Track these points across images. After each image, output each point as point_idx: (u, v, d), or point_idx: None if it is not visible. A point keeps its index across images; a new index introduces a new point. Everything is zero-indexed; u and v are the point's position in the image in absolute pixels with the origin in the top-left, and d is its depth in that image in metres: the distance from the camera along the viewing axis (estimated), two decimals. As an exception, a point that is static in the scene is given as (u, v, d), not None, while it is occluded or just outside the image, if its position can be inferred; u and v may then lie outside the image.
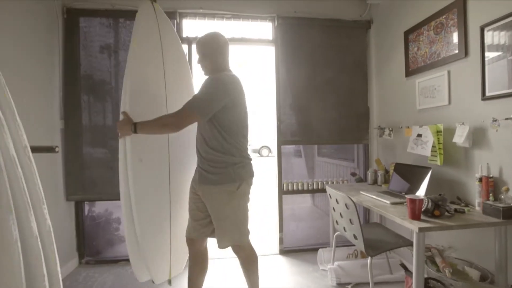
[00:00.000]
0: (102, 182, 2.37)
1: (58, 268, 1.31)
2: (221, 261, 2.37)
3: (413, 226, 1.29)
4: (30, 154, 1.21)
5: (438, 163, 1.73)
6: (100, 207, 2.61)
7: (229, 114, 1.38)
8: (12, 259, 1.05)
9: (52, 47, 2.17)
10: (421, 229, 1.26)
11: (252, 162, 1.51)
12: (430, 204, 1.38)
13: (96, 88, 2.36)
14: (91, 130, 2.35)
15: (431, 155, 1.76)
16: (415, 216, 1.36)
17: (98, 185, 2.36)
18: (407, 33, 2.08)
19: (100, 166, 2.38)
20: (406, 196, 1.39)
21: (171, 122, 1.34)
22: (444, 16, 1.74)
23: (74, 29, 2.32)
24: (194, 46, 2.43)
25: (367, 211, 2.68)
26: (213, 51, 1.44)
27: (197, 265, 1.56)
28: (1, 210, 1.03)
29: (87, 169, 2.35)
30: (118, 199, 2.06)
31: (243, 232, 1.48)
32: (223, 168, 1.39)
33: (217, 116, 1.37)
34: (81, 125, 2.32)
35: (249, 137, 1.53)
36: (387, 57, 2.39)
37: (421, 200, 1.36)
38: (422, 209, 1.38)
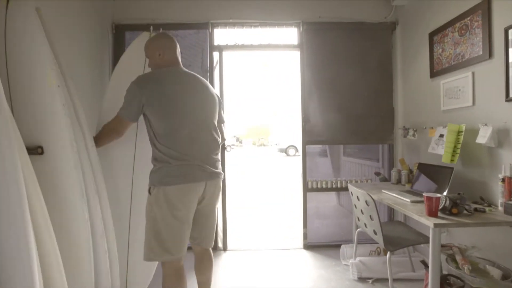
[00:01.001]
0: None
1: (115, 247, 1.59)
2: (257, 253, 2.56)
3: (429, 222, 1.36)
4: (95, 150, 1.49)
5: (453, 162, 1.75)
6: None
7: (149, 114, 1.32)
8: (83, 235, 1.32)
9: (103, 58, 2.51)
10: (436, 225, 1.33)
11: (174, 168, 1.29)
12: (448, 202, 1.44)
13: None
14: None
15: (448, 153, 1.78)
16: (432, 213, 1.42)
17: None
18: (432, 35, 2.10)
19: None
20: (424, 194, 1.46)
21: (110, 129, 1.41)
22: (468, 18, 1.76)
23: (121, 42, 2.64)
24: (224, 53, 2.66)
25: (391, 211, 2.71)
26: (147, 51, 1.46)
27: None
28: (76, 196, 1.30)
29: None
30: None
31: (151, 247, 1.31)
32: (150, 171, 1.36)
33: (147, 116, 1.34)
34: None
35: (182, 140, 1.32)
36: (412, 58, 2.41)
37: (438, 198, 1.42)
38: (440, 207, 1.44)
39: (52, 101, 1.20)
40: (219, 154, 1.48)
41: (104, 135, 1.45)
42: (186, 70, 1.46)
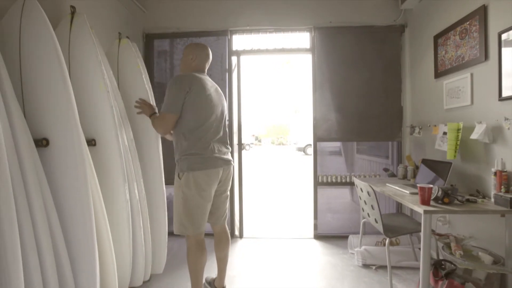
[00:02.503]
0: (169, 170, 2.98)
1: (148, 224, 1.88)
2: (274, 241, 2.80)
3: (420, 209, 1.52)
4: (134, 143, 1.79)
5: (453, 157, 1.88)
6: (167, 191, 3.23)
7: (185, 110, 1.57)
8: (124, 214, 1.62)
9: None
10: (426, 212, 1.49)
11: (201, 157, 1.57)
12: (440, 192, 1.59)
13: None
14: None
15: (451, 150, 1.91)
16: (424, 202, 1.58)
17: (170, 172, 2.98)
18: (436, 37, 2.22)
19: (172, 157, 2.99)
20: (417, 184, 1.62)
21: (157, 125, 1.64)
22: (468, 22, 1.87)
23: (150, 49, 2.97)
24: (242, 58, 2.91)
25: (399, 205, 2.83)
26: (185, 51, 1.73)
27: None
28: (119, 180, 1.61)
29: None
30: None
31: (182, 223, 1.59)
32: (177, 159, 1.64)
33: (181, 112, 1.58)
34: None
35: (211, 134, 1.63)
36: (419, 60, 2.52)
37: (430, 188, 1.57)
38: (432, 197, 1.60)
39: (103, 103, 1.51)
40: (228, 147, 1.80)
41: (155, 125, 1.66)
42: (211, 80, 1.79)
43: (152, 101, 1.99)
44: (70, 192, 1.23)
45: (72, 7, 1.53)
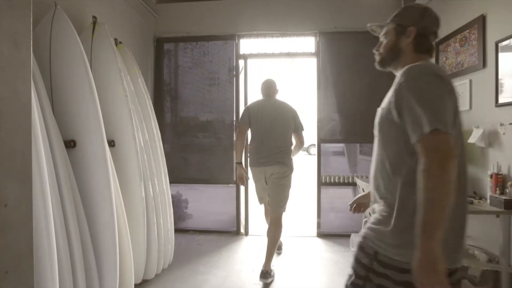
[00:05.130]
0: (178, 169, 3.09)
1: (161, 220, 1.99)
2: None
3: (418, 209, 1.61)
4: (149, 144, 1.90)
5: None
6: (172, 189, 3.33)
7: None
8: (139, 210, 1.74)
9: (147, 66, 2.96)
10: (424, 211, 1.58)
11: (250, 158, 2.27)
12: (438, 193, 1.67)
13: (173, 96, 3.10)
14: (171, 128, 3.11)
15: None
16: (423, 202, 1.67)
17: (173, 171, 3.09)
18: (438, 44, 2.30)
19: (176, 156, 3.11)
20: (417, 186, 1.71)
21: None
22: (467, 31, 1.95)
23: (161, 52, 3.08)
24: (249, 61, 3.00)
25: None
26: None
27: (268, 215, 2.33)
28: (136, 179, 1.71)
29: (167, 158, 3.10)
30: (189, 183, 2.83)
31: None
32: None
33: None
34: (163, 124, 3.07)
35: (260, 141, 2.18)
36: (421, 64, 2.60)
37: (428, 189, 1.66)
38: (431, 197, 1.68)
39: (122, 107, 1.62)
40: (283, 151, 2.19)
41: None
42: (272, 100, 2.28)
43: (150, 105, 2.08)
44: (94, 190, 1.34)
45: (94, 17, 1.64)
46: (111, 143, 1.63)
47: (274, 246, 2.12)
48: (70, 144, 1.28)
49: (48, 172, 1.08)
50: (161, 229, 1.92)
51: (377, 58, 1.01)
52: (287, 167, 2.17)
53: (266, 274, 2.00)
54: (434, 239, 0.65)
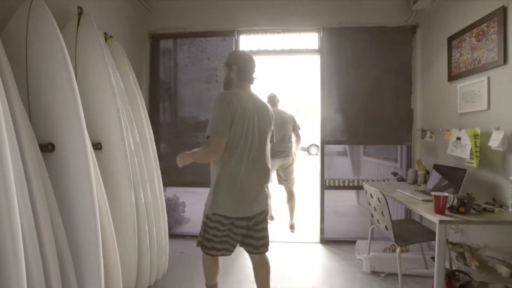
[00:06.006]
0: (174, 171, 2.95)
1: (154, 229, 1.85)
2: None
3: (435, 218, 1.47)
4: (141, 147, 1.75)
5: (474, 165, 1.82)
6: (169, 192, 3.20)
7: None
8: (129, 219, 1.59)
9: (142, 64, 2.82)
10: (441, 221, 1.44)
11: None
12: (455, 201, 1.53)
13: (169, 94, 2.95)
14: (168, 128, 2.96)
15: (469, 158, 1.85)
16: (439, 211, 1.53)
17: (170, 174, 2.95)
18: (450, 39, 2.15)
19: (172, 158, 2.95)
20: (432, 193, 1.56)
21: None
22: (485, 24, 1.80)
23: (156, 50, 2.94)
24: (248, 58, 2.86)
25: (408, 210, 2.77)
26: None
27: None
28: (125, 184, 1.57)
29: (161, 160, 2.95)
30: (185, 186, 2.67)
31: None
32: None
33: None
34: (159, 124, 2.94)
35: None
36: (431, 62, 2.46)
37: (445, 197, 1.52)
38: (447, 206, 1.54)
39: (110, 105, 1.47)
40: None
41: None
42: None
43: (142, 104, 1.93)
44: (75, 197, 1.20)
45: (79, 8, 1.50)
46: (98, 146, 1.49)
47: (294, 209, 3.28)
48: (47, 148, 1.14)
49: (16, 180, 0.94)
50: (154, 238, 1.77)
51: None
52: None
53: (292, 227, 3.19)
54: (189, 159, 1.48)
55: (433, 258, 1.90)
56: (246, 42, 2.89)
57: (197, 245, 1.54)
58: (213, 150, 1.34)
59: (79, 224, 1.20)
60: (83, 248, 1.22)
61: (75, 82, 1.18)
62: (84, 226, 1.20)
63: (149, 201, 1.76)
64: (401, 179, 2.62)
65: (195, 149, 1.45)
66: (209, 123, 1.35)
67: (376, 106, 2.73)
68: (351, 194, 3.74)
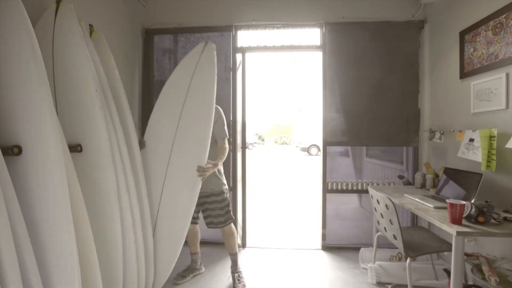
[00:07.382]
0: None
1: (142, 240, 1.70)
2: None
3: (451, 230, 1.32)
4: (127, 150, 1.60)
5: (491, 169, 1.67)
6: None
7: None
8: (114, 230, 1.45)
9: (134, 61, 2.67)
10: (459, 233, 1.29)
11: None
12: (473, 210, 1.38)
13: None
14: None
15: (484, 161, 1.71)
16: (455, 220, 1.38)
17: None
18: (463, 34, 2.00)
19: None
20: (447, 200, 1.42)
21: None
22: (504, 16, 1.66)
23: (150, 46, 2.79)
24: (247, 55, 2.71)
25: (415, 215, 2.62)
26: None
27: None
28: (110, 191, 1.43)
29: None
30: None
31: None
32: None
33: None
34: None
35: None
36: (440, 58, 2.31)
37: (462, 205, 1.37)
38: (465, 215, 1.40)
39: (91, 104, 1.33)
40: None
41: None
42: None
43: (126, 101, 1.78)
44: (46, 207, 1.05)
45: (57, -5, 1.36)
46: (77, 148, 1.34)
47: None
48: (12, 151, 0.99)
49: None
50: (141, 250, 1.62)
51: None
52: None
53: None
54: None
55: (445, 270, 1.76)
56: (244, 38, 2.75)
57: (228, 223, 1.98)
58: (228, 147, 2.00)
59: (51, 240, 1.05)
60: (57, 268, 1.07)
61: (45, 76, 1.04)
62: (57, 242, 1.05)
63: (136, 209, 1.61)
64: (408, 183, 2.48)
65: (219, 155, 1.92)
66: (221, 128, 1.95)
67: (381, 106, 2.58)
68: (352, 197, 3.60)
